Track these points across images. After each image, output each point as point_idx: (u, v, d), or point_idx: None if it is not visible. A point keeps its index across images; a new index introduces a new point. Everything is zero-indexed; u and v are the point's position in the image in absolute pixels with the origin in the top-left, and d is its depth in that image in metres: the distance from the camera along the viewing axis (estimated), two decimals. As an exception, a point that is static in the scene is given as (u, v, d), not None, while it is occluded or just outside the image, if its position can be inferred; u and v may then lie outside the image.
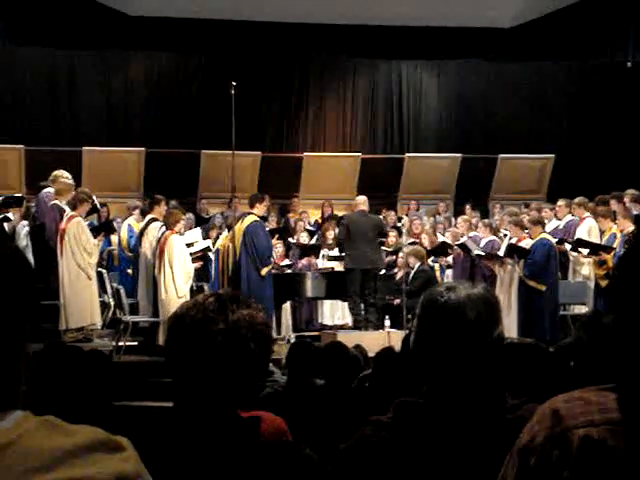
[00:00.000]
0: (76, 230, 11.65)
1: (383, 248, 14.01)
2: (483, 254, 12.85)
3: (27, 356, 1.26)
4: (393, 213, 16.85)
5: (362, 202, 12.88)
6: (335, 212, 16.92)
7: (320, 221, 16.60)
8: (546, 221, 13.80)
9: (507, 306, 11.85)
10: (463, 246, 13.31)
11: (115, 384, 3.54)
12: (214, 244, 13.86)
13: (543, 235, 12.29)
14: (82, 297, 11.53)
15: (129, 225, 13.63)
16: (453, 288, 2.17)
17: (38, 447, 1.16)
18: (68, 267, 11.56)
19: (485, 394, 2.11)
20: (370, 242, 12.49)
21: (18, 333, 1.22)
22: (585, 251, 12.53)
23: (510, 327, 11.50)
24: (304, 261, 14.42)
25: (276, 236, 13.65)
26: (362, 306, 12.66)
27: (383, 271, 13.52)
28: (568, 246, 12.99)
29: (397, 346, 6.24)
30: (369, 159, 18.63)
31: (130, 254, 13.22)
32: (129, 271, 13.18)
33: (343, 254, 13.08)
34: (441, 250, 13.99)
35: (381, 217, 14.90)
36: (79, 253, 11.59)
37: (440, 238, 14.54)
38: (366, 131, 19.80)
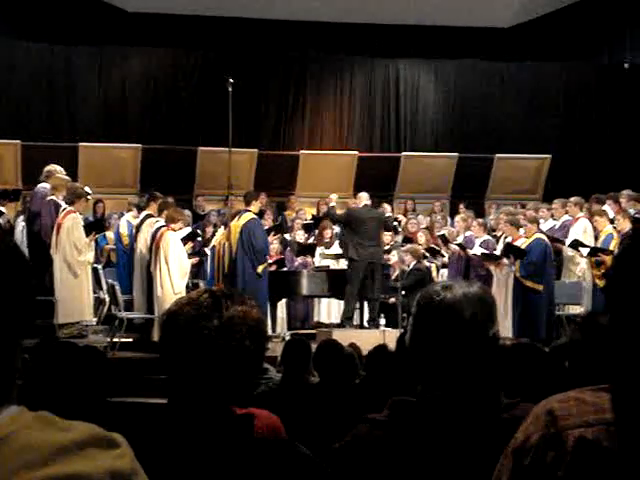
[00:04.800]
0: (71, 225, 11.64)
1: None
2: (485, 253, 12.82)
3: (22, 351, 1.25)
4: (389, 210, 16.82)
5: (365, 198, 12.85)
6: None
7: (316, 214, 16.53)
8: (542, 220, 13.81)
9: (503, 306, 11.86)
10: (461, 245, 13.34)
11: (109, 380, 3.53)
12: (209, 241, 13.85)
13: (538, 235, 12.29)
14: (71, 293, 11.50)
15: (127, 222, 13.62)
16: (449, 287, 2.16)
17: (33, 442, 1.15)
18: (60, 262, 11.55)
19: (480, 393, 2.11)
20: (372, 236, 12.47)
21: (13, 329, 1.22)
22: (585, 251, 12.50)
23: (506, 327, 11.51)
24: (300, 260, 14.40)
25: (272, 233, 13.63)
26: (357, 304, 12.65)
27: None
28: (567, 242, 12.91)
29: (392, 345, 6.24)
30: (366, 157, 18.61)
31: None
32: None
33: (340, 252, 13.03)
34: (434, 250, 13.99)
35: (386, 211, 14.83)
36: (69, 249, 11.57)
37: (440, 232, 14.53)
38: (363, 129, 19.77)
